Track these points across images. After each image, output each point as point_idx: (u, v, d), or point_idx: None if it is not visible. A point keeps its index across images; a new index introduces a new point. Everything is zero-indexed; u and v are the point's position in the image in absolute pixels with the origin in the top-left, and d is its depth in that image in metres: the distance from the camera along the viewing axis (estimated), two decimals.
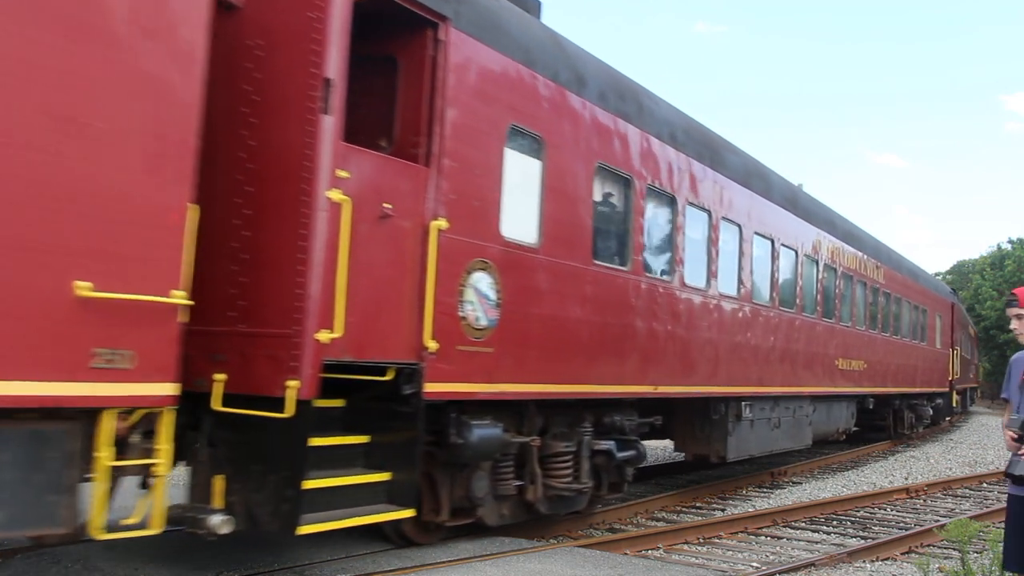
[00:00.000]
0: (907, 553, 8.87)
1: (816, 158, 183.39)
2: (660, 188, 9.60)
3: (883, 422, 21.16)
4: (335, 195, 5.69)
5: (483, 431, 7.10)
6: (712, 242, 10.74)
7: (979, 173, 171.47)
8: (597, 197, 8.68)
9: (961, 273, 70.16)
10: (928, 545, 9.11)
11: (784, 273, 13.19)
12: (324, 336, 5.58)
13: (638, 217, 9.15)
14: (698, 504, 11.52)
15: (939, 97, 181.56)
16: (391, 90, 6.71)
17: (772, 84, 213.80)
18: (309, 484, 5.69)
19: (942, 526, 7.72)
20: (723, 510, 11.20)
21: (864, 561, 8.35)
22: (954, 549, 8.25)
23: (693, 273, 10.29)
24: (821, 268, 14.89)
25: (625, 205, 9.11)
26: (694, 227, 10.44)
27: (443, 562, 6.87)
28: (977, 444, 23.10)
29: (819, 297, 14.78)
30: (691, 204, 10.25)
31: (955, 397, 29.09)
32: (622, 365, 8.91)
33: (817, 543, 9.30)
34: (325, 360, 5.64)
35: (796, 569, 7.74)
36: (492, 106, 7.15)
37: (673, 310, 9.80)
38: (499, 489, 7.70)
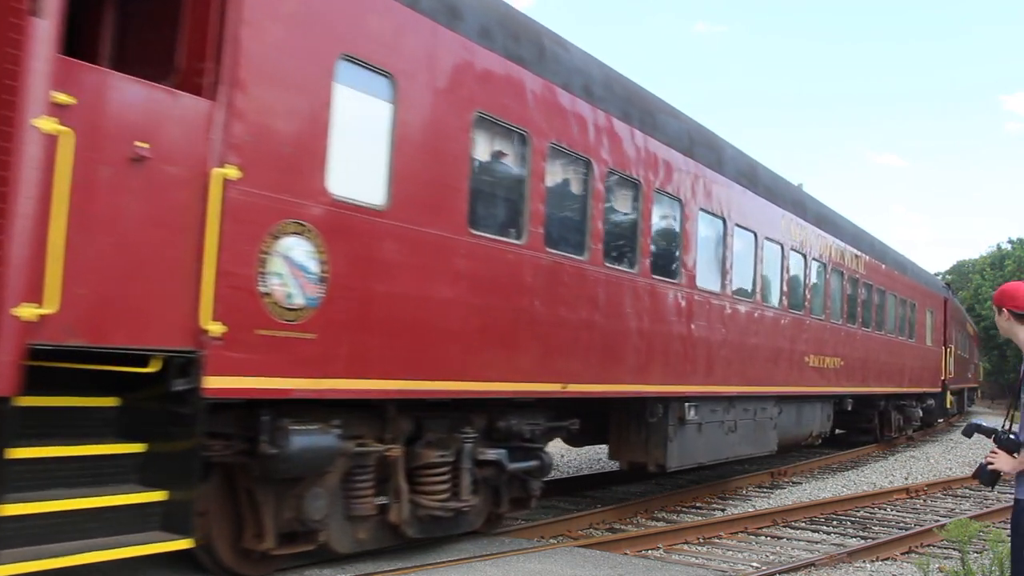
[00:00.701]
0: (907, 553, 8.80)
1: (816, 158, 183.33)
2: (569, 149, 8.10)
3: (868, 424, 19.78)
4: (48, 125, 4.29)
5: (306, 439, 5.68)
6: (643, 217, 9.16)
7: (979, 173, 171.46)
8: (479, 155, 7.23)
9: (961, 273, 70.00)
10: (928, 545, 9.03)
11: (740, 258, 11.58)
12: (27, 312, 4.19)
13: (537, 182, 7.61)
14: (698, 504, 11.43)
15: (938, 97, 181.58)
16: (177, 7, 5.34)
17: (772, 84, 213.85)
18: (11, 509, 4.35)
19: (942, 526, 7.67)
20: (723, 510, 11.11)
21: (864, 561, 8.29)
22: (954, 549, 8.19)
23: (616, 253, 8.83)
24: (787, 254, 13.15)
25: (521, 166, 7.55)
26: (619, 199, 9.04)
27: (443, 562, 6.80)
28: (977, 444, 22.60)
29: (784, 286, 13.02)
30: (614, 172, 8.70)
31: (949, 398, 27.15)
32: (516, 358, 7.34)
33: (817, 543, 9.23)
34: (35, 344, 4.28)
35: (796, 569, 7.67)
36: (312, 30, 5.66)
37: (588, 294, 8.24)
38: (353, 509, 6.35)
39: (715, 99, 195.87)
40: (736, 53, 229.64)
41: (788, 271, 13.20)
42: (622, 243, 9.06)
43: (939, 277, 63.54)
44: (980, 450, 20.37)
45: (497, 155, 7.51)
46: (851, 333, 16.44)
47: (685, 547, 8.69)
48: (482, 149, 7.31)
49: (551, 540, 8.46)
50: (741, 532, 9.59)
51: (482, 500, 7.58)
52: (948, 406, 27.11)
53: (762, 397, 12.23)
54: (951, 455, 19.70)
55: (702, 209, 10.46)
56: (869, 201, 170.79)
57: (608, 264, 8.58)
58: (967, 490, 13.77)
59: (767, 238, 12.41)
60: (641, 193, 9.15)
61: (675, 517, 10.49)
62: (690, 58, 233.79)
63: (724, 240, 11.15)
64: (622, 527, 9.62)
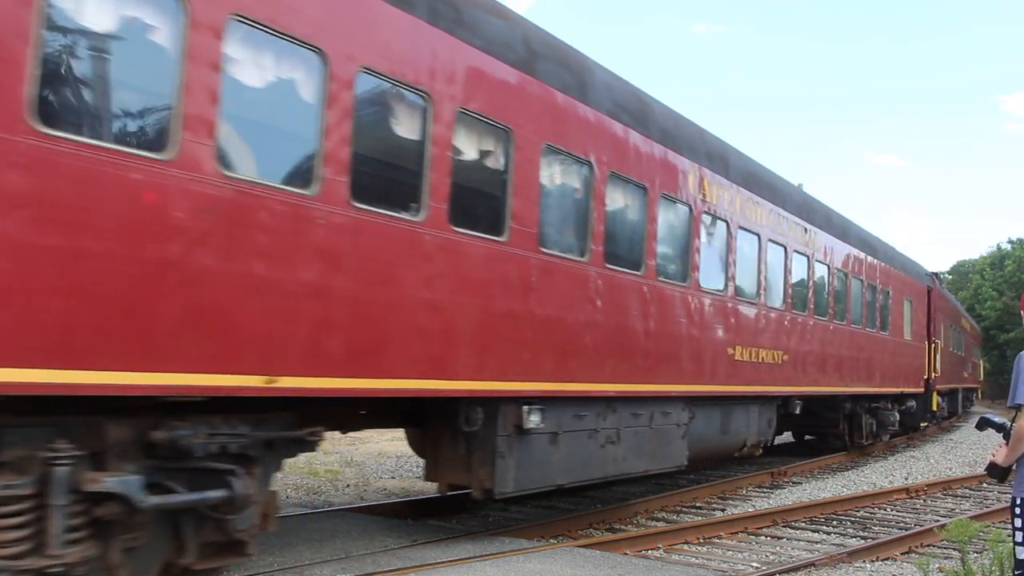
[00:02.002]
0: (907, 553, 8.69)
1: (816, 158, 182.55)
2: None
3: (835, 429, 17.17)
4: None
5: None
6: (433, 142, 6.41)
7: (978, 173, 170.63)
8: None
9: (961, 273, 69.93)
10: (928, 545, 8.92)
11: (619, 218, 8.92)
12: None
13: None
14: (698, 504, 11.28)
15: (937, 97, 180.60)
16: None
17: (771, 84, 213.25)
18: None
19: (942, 526, 7.65)
20: (723, 510, 10.96)
21: (864, 561, 8.18)
22: (954, 549, 8.16)
23: (370, 189, 5.98)
24: (699, 217, 10.28)
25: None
26: (365, 90, 6.16)
27: (443, 562, 6.68)
28: (977, 444, 22.51)
29: (695, 258, 10.14)
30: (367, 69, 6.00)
31: (936, 399, 23.51)
32: (154, 335, 4.62)
33: (817, 543, 9.12)
34: None
35: (796, 569, 7.58)
36: None
37: (297, 241, 5.39)
38: None
39: (714, 99, 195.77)
40: (735, 53, 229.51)
41: (699, 239, 10.32)
42: (378, 171, 6.41)
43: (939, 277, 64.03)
44: (980, 450, 20.39)
45: None
46: (799, 323, 13.54)
47: (685, 547, 8.56)
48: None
49: (551, 540, 8.37)
50: (741, 532, 9.43)
51: (118, 551, 4.81)
52: (935, 408, 23.64)
53: (663, 399, 9.60)
54: (951, 455, 19.45)
55: (551, 146, 7.78)
56: (868, 201, 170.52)
57: (356, 204, 5.80)
58: (967, 490, 13.68)
59: (666, 194, 9.55)
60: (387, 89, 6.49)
61: (675, 517, 10.35)
62: (689, 58, 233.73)
63: (592, 190, 8.25)
64: (622, 527, 9.52)
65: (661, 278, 9.50)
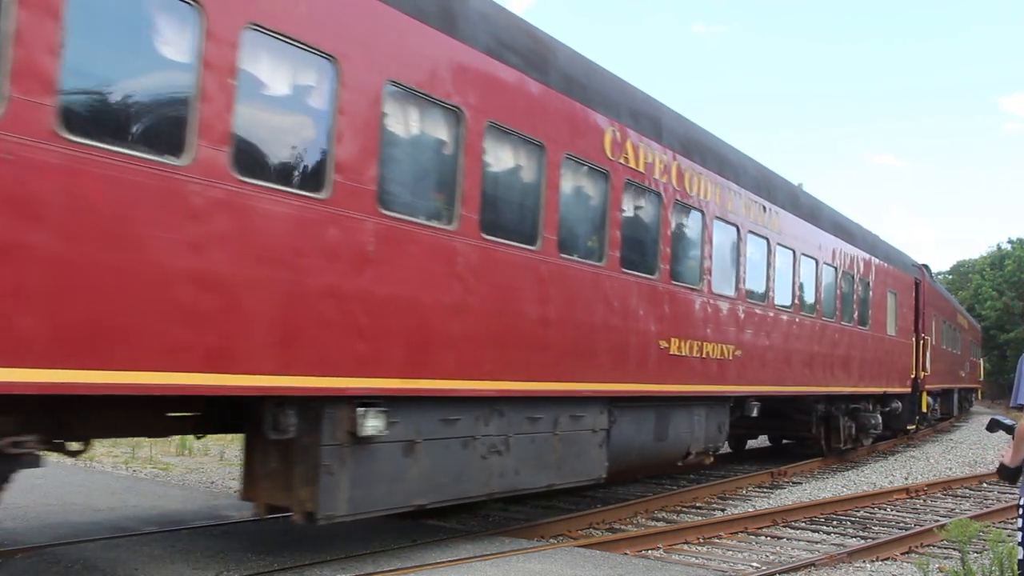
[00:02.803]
0: (907, 553, 8.63)
1: (815, 158, 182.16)
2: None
3: (808, 433, 15.58)
4: None
5: None
6: (205, 63, 4.95)
7: (977, 173, 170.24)
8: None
9: (961, 273, 69.87)
10: (928, 545, 8.89)
11: (506, 180, 7.41)
12: None
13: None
14: (698, 504, 11.21)
15: (936, 98, 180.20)
16: None
17: (770, 84, 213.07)
18: None
19: (942, 526, 7.63)
20: (723, 510, 10.90)
21: (864, 561, 8.12)
22: (954, 549, 8.14)
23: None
24: (620, 188, 8.65)
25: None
26: None
27: (443, 562, 6.66)
28: (977, 444, 22.17)
29: (614, 234, 8.53)
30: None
31: (925, 400, 21.60)
32: None
33: (817, 543, 9.09)
34: None
35: (796, 569, 7.53)
36: None
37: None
38: None
39: (713, 99, 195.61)
40: (734, 54, 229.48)
41: (624, 213, 8.81)
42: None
43: (939, 277, 63.97)
44: (980, 450, 20.39)
45: None
46: (757, 314, 11.84)
47: (685, 547, 8.52)
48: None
49: (551, 540, 8.32)
50: (741, 532, 9.37)
51: None
52: (924, 410, 21.70)
53: (574, 400, 8.12)
54: (951, 455, 19.35)
55: (394, 83, 6.31)
56: (868, 201, 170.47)
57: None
58: (967, 490, 13.65)
59: (573, 156, 7.98)
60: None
61: (675, 517, 10.30)
62: (688, 59, 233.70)
63: (462, 143, 6.75)
64: (622, 527, 9.46)
65: (566, 256, 7.91)
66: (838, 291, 15.20)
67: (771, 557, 8.39)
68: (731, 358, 11.06)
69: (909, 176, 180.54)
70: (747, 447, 17.70)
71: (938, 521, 9.95)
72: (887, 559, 8.42)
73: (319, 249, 5.58)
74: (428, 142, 6.75)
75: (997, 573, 6.11)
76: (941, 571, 7.47)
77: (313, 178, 5.63)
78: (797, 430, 15.83)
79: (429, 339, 6.39)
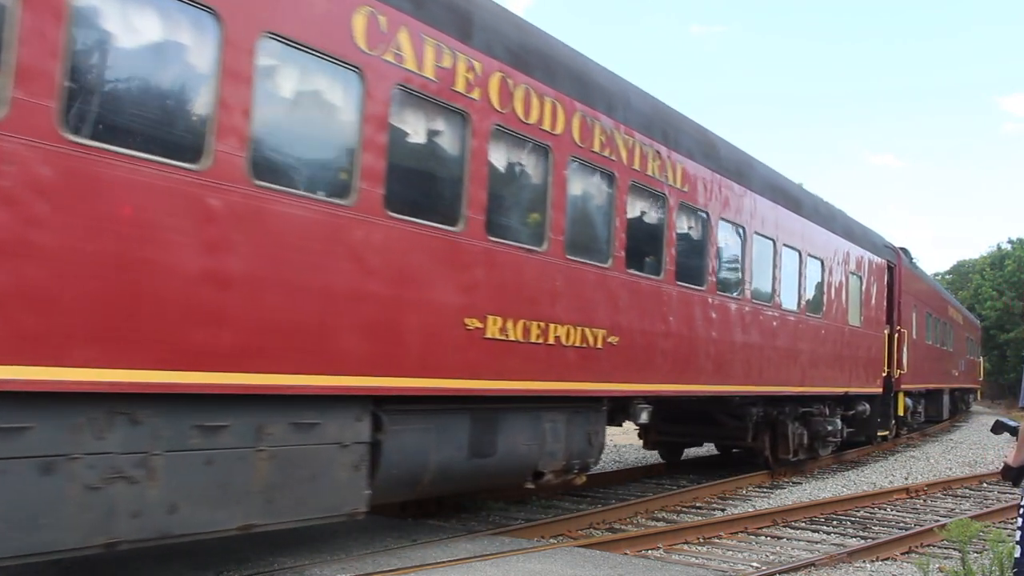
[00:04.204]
0: (907, 553, 8.59)
1: (814, 158, 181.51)
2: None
3: (743, 442, 12.97)
4: None
5: None
6: None
7: (977, 174, 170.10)
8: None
9: (961, 273, 69.98)
10: (928, 545, 8.83)
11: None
12: None
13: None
14: (698, 504, 11.12)
15: (935, 98, 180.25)
16: None
17: (769, 84, 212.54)
18: None
19: (942, 526, 7.67)
20: (723, 510, 10.83)
21: (864, 561, 8.09)
22: (954, 549, 8.10)
23: None
24: (388, 97, 6.19)
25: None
26: None
27: (443, 562, 6.63)
28: (977, 444, 21.91)
29: (366, 156, 6.00)
30: None
31: (903, 402, 18.79)
32: None
33: (817, 543, 9.04)
34: None
35: (796, 569, 7.51)
36: None
37: None
38: None
39: (712, 99, 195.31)
40: (732, 54, 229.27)
41: (388, 129, 6.25)
42: None
43: (939, 278, 64.06)
44: (980, 450, 20.40)
45: None
46: (647, 291, 9.20)
47: (685, 547, 8.46)
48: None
49: (551, 540, 8.24)
50: (741, 532, 9.30)
51: None
52: (902, 413, 18.88)
53: (299, 399, 5.67)
54: (951, 455, 19.17)
55: None
56: (868, 202, 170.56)
57: None
58: (967, 490, 13.60)
59: (276, 35, 5.43)
60: None
61: (675, 517, 10.21)
62: (687, 59, 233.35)
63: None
64: (622, 527, 9.39)
65: (264, 182, 5.33)
66: (776, 269, 12.31)
67: (771, 557, 8.37)
68: (601, 346, 8.38)
69: (909, 176, 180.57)
70: (684, 457, 15.27)
71: (938, 521, 9.93)
72: (887, 559, 8.41)
73: None
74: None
75: (997, 573, 6.11)
76: (941, 571, 7.46)
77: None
78: (730, 438, 13.25)
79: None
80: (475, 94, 7.01)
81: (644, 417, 9.60)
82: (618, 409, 9.38)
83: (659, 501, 10.85)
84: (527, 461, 7.99)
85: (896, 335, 18.32)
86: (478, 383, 7.08)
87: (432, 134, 6.96)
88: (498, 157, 7.39)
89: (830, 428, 14.63)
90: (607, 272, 8.60)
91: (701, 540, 8.84)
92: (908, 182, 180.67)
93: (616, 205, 8.72)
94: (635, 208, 9.14)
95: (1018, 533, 4.26)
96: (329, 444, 6.00)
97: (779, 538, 9.34)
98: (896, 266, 18.82)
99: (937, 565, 7.59)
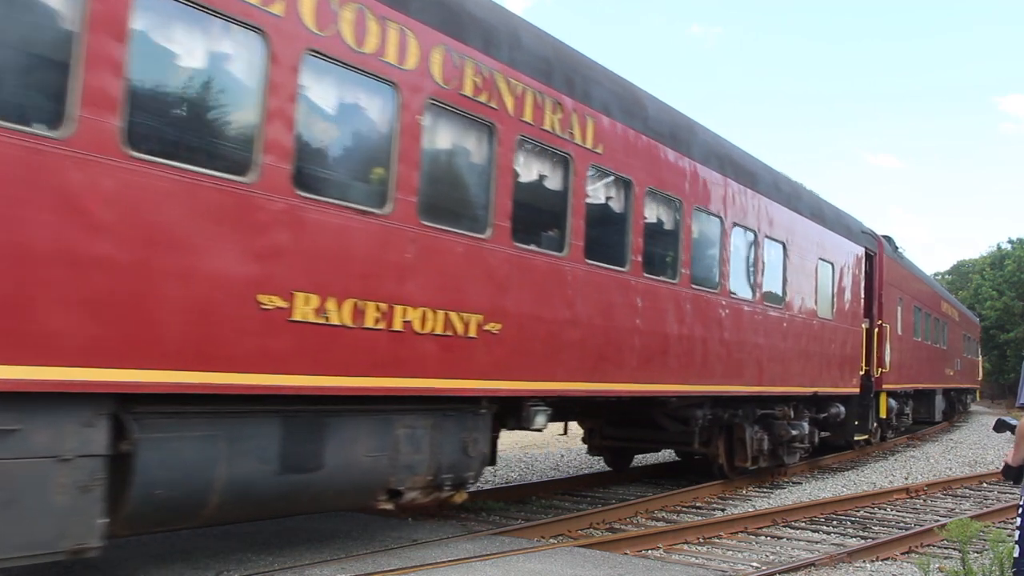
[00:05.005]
0: (907, 553, 8.57)
1: (813, 158, 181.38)
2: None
3: (689, 448, 11.56)
4: None
5: None
6: None
7: (976, 174, 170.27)
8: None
9: (961, 273, 70.08)
10: (928, 545, 8.80)
11: None
12: None
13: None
14: (698, 504, 11.08)
15: (933, 98, 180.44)
16: None
17: (768, 84, 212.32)
18: None
19: (942, 526, 7.62)
20: (723, 510, 10.79)
21: (864, 561, 8.06)
22: (954, 549, 8.17)
23: None
24: None
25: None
26: None
27: (443, 562, 6.63)
28: (977, 444, 21.83)
29: (94, 79, 4.54)
30: None
31: (884, 404, 17.49)
32: None
33: (817, 543, 9.02)
34: None
35: (796, 569, 7.50)
36: None
37: None
38: None
39: (710, 99, 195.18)
40: (731, 54, 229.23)
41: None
42: None
43: (939, 278, 64.18)
44: (980, 450, 20.40)
45: None
46: (543, 268, 7.65)
47: (685, 547, 8.44)
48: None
49: (551, 540, 8.22)
50: (741, 532, 9.28)
51: None
52: (884, 416, 17.72)
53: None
54: (951, 455, 19.09)
55: None
56: (867, 202, 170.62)
57: None
58: (967, 490, 13.58)
59: None
60: None
61: (675, 517, 10.17)
62: (686, 59, 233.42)
63: None
64: (622, 527, 9.36)
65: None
66: (725, 251, 10.74)
67: (771, 557, 8.36)
68: (475, 335, 6.87)
69: (907, 176, 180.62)
70: (633, 464, 13.85)
71: (938, 521, 9.91)
72: (887, 559, 8.39)
73: None
74: None
75: (997, 573, 6.10)
76: (941, 571, 7.45)
77: None
78: (674, 443, 11.92)
79: None
80: (276, 7, 5.48)
81: (540, 421, 8.03)
82: (510, 412, 7.85)
83: (659, 501, 10.83)
84: (373, 477, 6.37)
85: (877, 330, 16.98)
86: (286, 379, 5.53)
87: (211, 53, 5.28)
88: (317, 92, 5.84)
89: (795, 432, 12.85)
90: (485, 245, 6.97)
91: (701, 540, 8.83)
92: (908, 182, 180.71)
93: (497, 163, 7.12)
94: (527, 169, 7.61)
95: (1017, 533, 4.27)
96: (36, 458, 4.42)
97: (779, 538, 9.33)
98: (877, 254, 17.35)
99: (937, 565, 7.58)
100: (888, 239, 19.19)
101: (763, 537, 9.35)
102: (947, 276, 69.72)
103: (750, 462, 11.97)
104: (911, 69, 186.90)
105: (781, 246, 12.41)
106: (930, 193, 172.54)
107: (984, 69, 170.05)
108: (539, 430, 8.33)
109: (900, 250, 20.86)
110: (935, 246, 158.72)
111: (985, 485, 14.02)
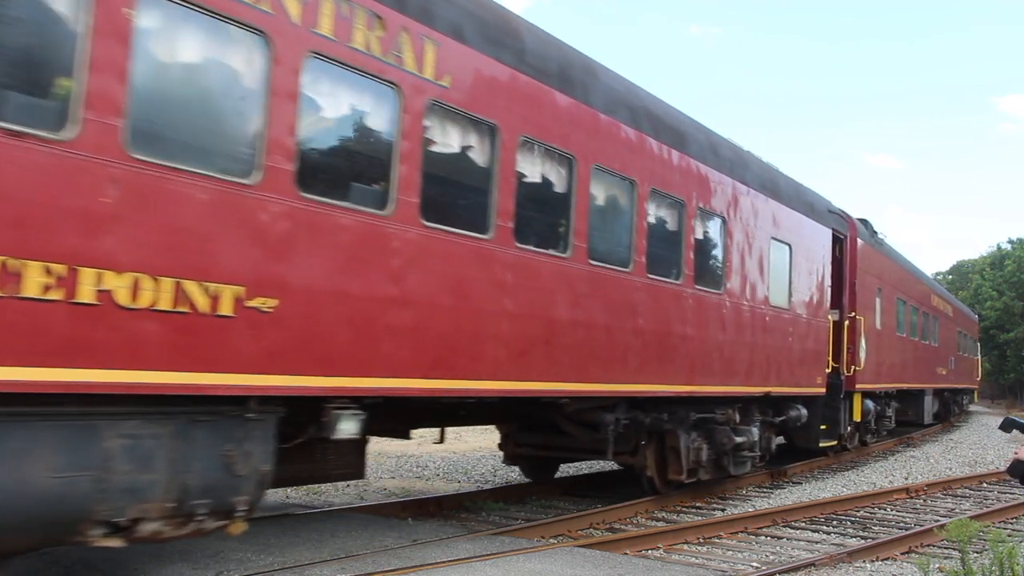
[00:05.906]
0: (907, 553, 8.53)
1: (812, 158, 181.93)
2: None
3: (603, 457, 9.92)
4: None
5: None
6: None
7: (975, 174, 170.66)
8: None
9: (961, 273, 70.10)
10: (928, 545, 8.78)
11: None
12: None
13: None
14: (698, 504, 11.04)
15: (932, 98, 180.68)
16: None
17: (768, 84, 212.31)
18: None
19: (942, 526, 7.59)
20: (723, 510, 10.77)
21: (864, 561, 8.03)
22: (954, 549, 8.16)
23: None
24: None
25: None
26: None
27: (443, 562, 6.60)
28: (977, 444, 21.77)
29: None
30: None
31: (858, 406, 15.68)
32: None
33: (817, 543, 8.99)
34: None
35: (796, 569, 7.49)
36: None
37: None
38: None
39: (710, 98, 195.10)
40: (731, 54, 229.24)
41: None
42: None
43: (939, 278, 64.06)
44: (980, 450, 20.41)
45: None
46: (338, 228, 5.68)
47: (685, 547, 8.41)
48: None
49: (551, 540, 8.20)
50: (741, 532, 9.24)
51: None
52: (859, 419, 15.93)
53: None
54: (951, 455, 19.02)
55: None
56: (867, 202, 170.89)
57: None
58: (967, 490, 13.55)
59: None
60: None
61: (675, 517, 10.16)
62: (686, 59, 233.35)
63: None
64: (622, 527, 9.34)
65: None
66: (640, 219, 8.87)
67: (771, 557, 8.34)
68: (232, 313, 5.09)
69: (907, 176, 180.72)
70: (558, 475, 12.22)
71: (938, 521, 9.90)
72: (887, 559, 8.38)
73: None
74: None
75: (997, 573, 6.10)
76: (941, 571, 7.44)
77: None
78: (593, 452, 10.13)
79: None
80: None
81: (348, 428, 6.13)
82: (311, 417, 6.03)
83: (659, 501, 10.80)
84: (61, 506, 4.53)
85: (848, 323, 15.02)
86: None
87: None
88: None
89: (741, 440, 11.04)
90: (248, 193, 5.17)
91: (701, 540, 8.81)
92: (907, 182, 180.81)
93: (270, 86, 5.30)
94: (323, 97, 5.86)
95: None
96: None
97: (779, 538, 9.32)
98: (848, 237, 15.24)
99: (937, 565, 7.57)
100: (864, 222, 17.08)
101: (763, 537, 9.34)
102: (947, 276, 69.70)
103: (686, 475, 10.17)
104: (910, 69, 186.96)
105: (720, 220, 10.42)
106: (929, 193, 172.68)
107: (983, 69, 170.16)
108: (354, 439, 6.51)
109: (880, 235, 18.59)
110: (935, 246, 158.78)
111: (985, 485, 14.01)
